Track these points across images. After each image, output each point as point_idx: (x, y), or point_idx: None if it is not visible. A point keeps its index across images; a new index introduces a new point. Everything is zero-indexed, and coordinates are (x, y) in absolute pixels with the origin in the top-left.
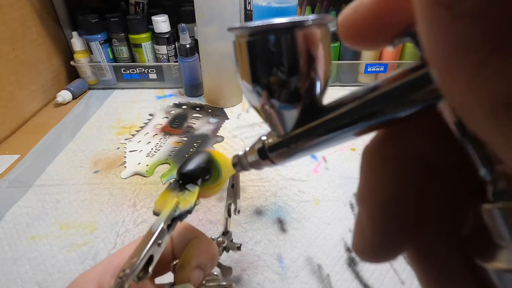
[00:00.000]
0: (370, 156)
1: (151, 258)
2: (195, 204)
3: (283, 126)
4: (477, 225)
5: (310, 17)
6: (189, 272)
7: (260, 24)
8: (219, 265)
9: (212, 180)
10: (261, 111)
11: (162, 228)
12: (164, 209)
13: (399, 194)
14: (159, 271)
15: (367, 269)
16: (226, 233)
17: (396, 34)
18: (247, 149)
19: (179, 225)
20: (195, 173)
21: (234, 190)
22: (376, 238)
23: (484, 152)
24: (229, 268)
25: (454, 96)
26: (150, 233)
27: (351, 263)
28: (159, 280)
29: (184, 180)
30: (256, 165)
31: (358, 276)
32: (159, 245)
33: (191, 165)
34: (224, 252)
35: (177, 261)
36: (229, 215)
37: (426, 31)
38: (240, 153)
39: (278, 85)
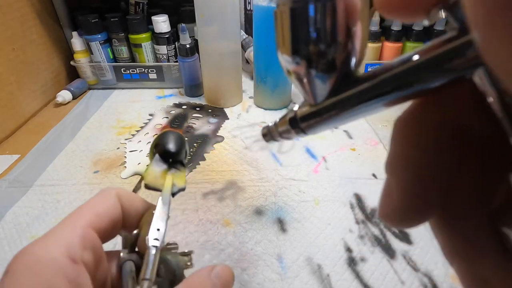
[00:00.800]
0: (404, 124)
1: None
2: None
3: (317, 95)
4: (508, 198)
5: None
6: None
7: None
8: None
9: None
10: (297, 80)
11: (170, 201)
12: (164, 184)
13: (433, 162)
14: (107, 238)
15: (367, 269)
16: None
17: (433, 4)
18: (277, 120)
19: (128, 194)
20: (182, 154)
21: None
22: (404, 204)
23: None
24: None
25: (497, 60)
26: (163, 208)
27: (351, 263)
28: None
29: (173, 160)
30: (286, 135)
31: (358, 276)
32: (168, 217)
33: (176, 146)
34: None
35: (136, 230)
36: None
37: None
38: (270, 124)
39: (317, 55)
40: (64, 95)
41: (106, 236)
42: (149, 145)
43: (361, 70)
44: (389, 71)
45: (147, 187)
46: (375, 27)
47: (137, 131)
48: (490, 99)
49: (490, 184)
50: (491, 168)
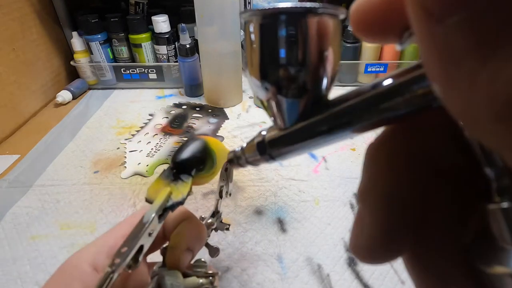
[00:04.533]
0: (375, 151)
1: (141, 248)
2: (187, 195)
3: (286, 119)
4: (480, 230)
5: (324, 6)
6: (179, 254)
7: (272, 8)
8: (207, 245)
9: (207, 170)
10: (266, 105)
11: (154, 218)
12: (156, 198)
13: (403, 191)
14: (151, 249)
15: (367, 269)
16: (216, 213)
17: (404, 31)
18: (244, 144)
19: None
20: (190, 163)
21: (227, 173)
22: (376, 236)
23: (488, 153)
24: (216, 249)
25: (454, 106)
26: (141, 223)
27: (351, 263)
28: (150, 258)
29: (178, 170)
30: (254, 161)
31: (358, 276)
32: (150, 235)
33: (185, 154)
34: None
35: (167, 243)
36: (221, 197)
37: (420, 42)
38: (237, 148)
39: (287, 79)
40: (64, 95)
41: (149, 249)
42: (149, 145)
43: (331, 94)
44: (360, 96)
45: (146, 200)
46: None
47: (137, 131)
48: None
49: (462, 216)
50: (462, 198)
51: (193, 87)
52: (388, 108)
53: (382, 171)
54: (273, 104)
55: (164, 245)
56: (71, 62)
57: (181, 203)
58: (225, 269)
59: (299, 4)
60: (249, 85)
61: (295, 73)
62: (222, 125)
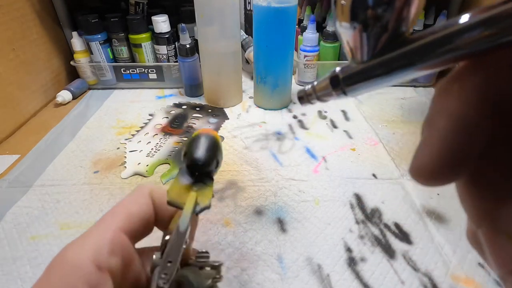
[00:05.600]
0: (447, 84)
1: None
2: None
3: (365, 54)
4: None
5: None
6: (189, 245)
7: None
8: None
9: (219, 167)
10: (347, 39)
11: (188, 226)
12: (185, 205)
13: (474, 119)
14: (139, 237)
15: (367, 269)
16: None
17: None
18: (315, 83)
19: (161, 194)
20: (210, 165)
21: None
22: (440, 155)
23: None
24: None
25: None
26: (179, 233)
27: (351, 263)
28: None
29: (199, 172)
30: (324, 96)
31: (358, 276)
32: (186, 242)
33: (205, 155)
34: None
35: (167, 237)
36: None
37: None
38: (307, 87)
39: (374, 18)
40: (64, 95)
41: (138, 236)
42: (149, 145)
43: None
44: (438, 33)
45: (170, 203)
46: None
47: (137, 131)
48: None
49: None
50: None
51: (193, 87)
52: (457, 47)
53: (452, 98)
54: (357, 40)
55: (166, 237)
56: (71, 62)
57: (208, 207)
58: (225, 269)
59: None
60: (336, 29)
61: (381, 13)
62: (222, 125)
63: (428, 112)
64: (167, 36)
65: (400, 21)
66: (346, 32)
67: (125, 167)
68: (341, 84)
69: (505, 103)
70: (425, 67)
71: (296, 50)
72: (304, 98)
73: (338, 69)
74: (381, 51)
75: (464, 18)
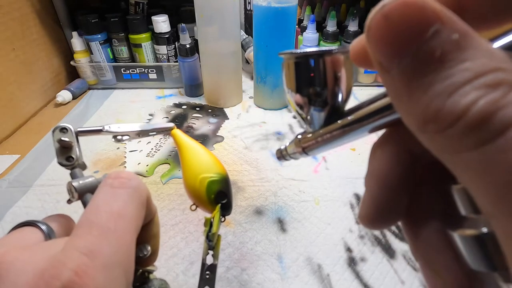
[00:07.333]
0: (374, 148)
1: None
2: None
3: (313, 125)
4: (451, 205)
5: (336, 48)
6: (156, 257)
7: (301, 52)
8: None
9: None
10: (299, 114)
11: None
12: (217, 245)
13: (396, 177)
14: None
15: (367, 269)
16: None
17: None
18: (287, 144)
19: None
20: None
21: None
22: (374, 209)
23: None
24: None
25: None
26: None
27: (351, 263)
28: None
29: (222, 209)
30: (293, 154)
31: (358, 276)
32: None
33: (231, 204)
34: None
35: (148, 247)
36: None
37: (382, 81)
38: (282, 147)
39: (313, 94)
40: (64, 95)
41: None
42: (149, 145)
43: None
44: (360, 109)
45: (208, 238)
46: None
47: None
48: None
49: (439, 195)
50: (437, 183)
51: (193, 87)
52: (376, 120)
53: (379, 163)
54: (305, 113)
55: (146, 253)
56: (71, 62)
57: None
58: (225, 269)
59: (319, 49)
60: (285, 94)
61: (320, 90)
62: (222, 125)
63: (366, 170)
64: (167, 36)
65: (336, 96)
66: (293, 98)
67: (125, 167)
68: (304, 150)
69: (418, 160)
70: (362, 133)
71: None
72: (281, 157)
73: (299, 136)
74: (326, 122)
75: (374, 104)
